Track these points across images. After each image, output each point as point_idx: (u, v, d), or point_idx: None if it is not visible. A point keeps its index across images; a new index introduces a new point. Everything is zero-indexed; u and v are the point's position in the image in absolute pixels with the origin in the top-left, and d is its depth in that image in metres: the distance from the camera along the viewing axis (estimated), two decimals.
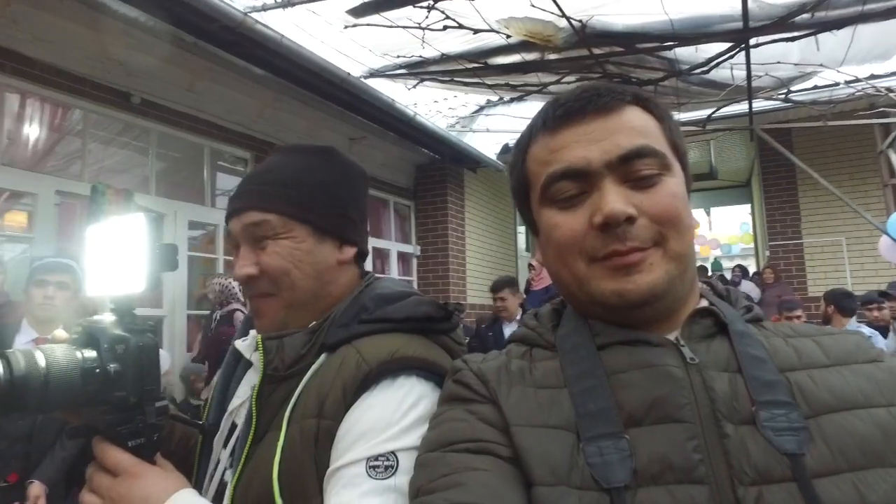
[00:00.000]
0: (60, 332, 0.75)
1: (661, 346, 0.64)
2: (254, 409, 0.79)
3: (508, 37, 4.14)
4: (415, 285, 7.31)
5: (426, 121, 5.85)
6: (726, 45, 4.23)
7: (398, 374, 0.75)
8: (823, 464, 0.55)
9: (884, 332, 4.51)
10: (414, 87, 5.07)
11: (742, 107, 5.67)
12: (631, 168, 0.65)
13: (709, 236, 13.00)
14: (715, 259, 10.50)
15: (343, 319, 0.83)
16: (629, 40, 4.16)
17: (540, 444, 0.60)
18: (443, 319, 0.86)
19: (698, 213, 12.90)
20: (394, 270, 7.08)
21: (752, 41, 4.17)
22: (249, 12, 3.75)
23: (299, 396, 0.77)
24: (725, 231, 13.65)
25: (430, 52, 4.44)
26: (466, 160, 7.06)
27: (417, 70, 4.80)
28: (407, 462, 0.68)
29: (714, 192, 10.66)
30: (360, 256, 0.96)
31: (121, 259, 0.73)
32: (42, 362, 0.65)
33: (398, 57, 4.63)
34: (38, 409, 0.66)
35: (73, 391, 0.67)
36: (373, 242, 6.71)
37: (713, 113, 5.61)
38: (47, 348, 0.68)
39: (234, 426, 0.85)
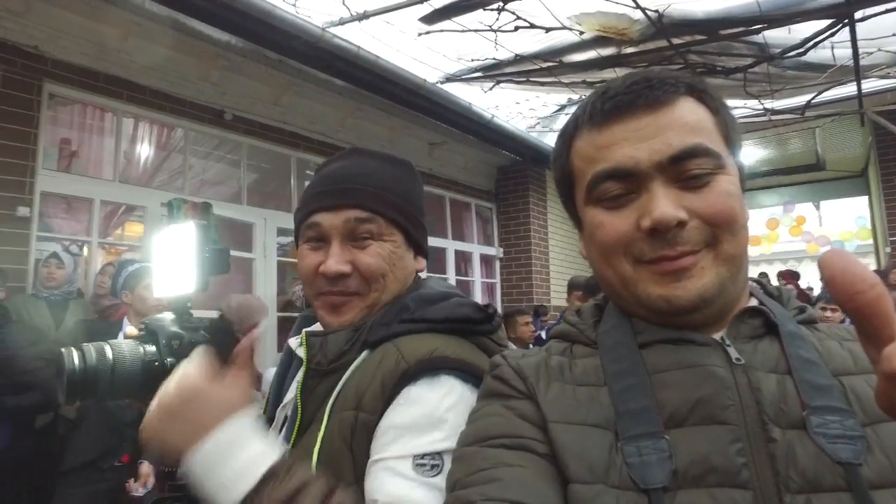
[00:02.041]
0: (131, 330, 0.83)
1: (706, 346, 0.61)
2: (298, 401, 0.83)
3: (581, 33, 4.04)
4: (498, 288, 7.30)
5: (504, 123, 5.83)
6: (825, 23, 3.88)
7: (439, 372, 0.76)
8: (882, 474, 0.51)
9: None
10: (490, 89, 5.07)
11: (850, 89, 5.15)
12: (682, 168, 0.61)
13: (817, 233, 11.93)
14: None
15: (385, 319, 0.85)
16: (712, 27, 3.91)
17: (577, 441, 0.59)
18: (483, 321, 0.86)
19: (806, 208, 11.84)
20: (476, 273, 7.10)
21: (858, 14, 3.78)
22: (328, 27, 3.93)
23: (340, 390, 0.80)
24: (838, 226, 12.48)
25: (503, 54, 4.43)
26: (547, 160, 6.93)
27: (493, 72, 4.80)
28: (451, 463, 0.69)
29: (823, 183, 9.78)
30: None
31: (176, 263, 0.80)
32: (110, 355, 0.73)
33: (472, 60, 4.65)
34: (107, 396, 0.74)
35: (136, 381, 0.75)
36: (455, 245, 6.79)
37: (813, 98, 5.17)
38: (116, 343, 0.75)
39: (286, 418, 0.89)
